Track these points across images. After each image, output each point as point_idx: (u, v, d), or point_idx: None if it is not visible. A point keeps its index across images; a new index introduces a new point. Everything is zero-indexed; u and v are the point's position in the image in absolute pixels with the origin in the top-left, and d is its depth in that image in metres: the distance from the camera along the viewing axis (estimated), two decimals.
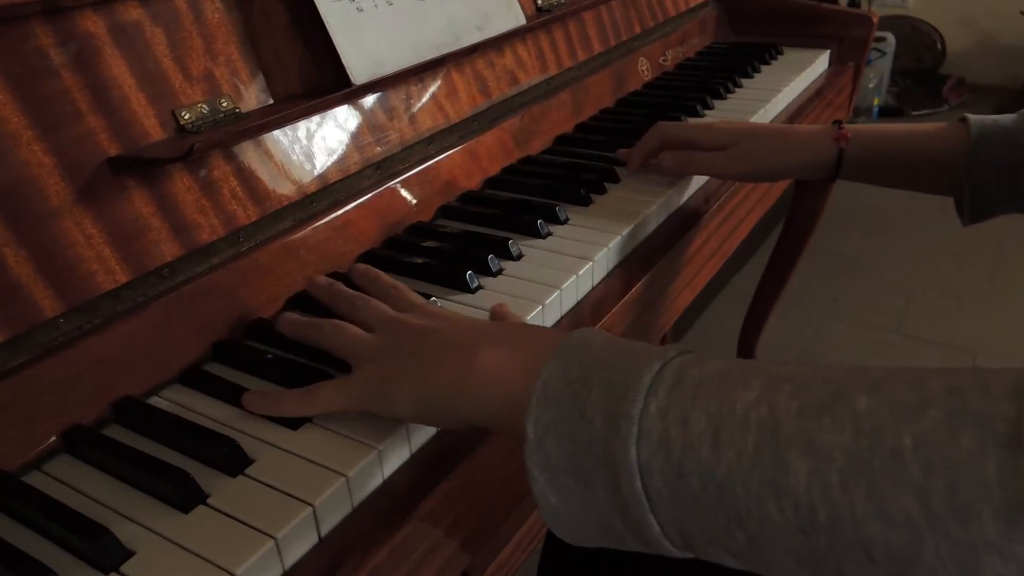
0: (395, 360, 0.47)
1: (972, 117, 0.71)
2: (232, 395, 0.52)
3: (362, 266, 0.59)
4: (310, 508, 0.43)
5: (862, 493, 0.28)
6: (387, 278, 0.57)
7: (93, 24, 0.51)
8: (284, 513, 0.42)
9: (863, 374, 0.32)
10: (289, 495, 0.44)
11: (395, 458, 0.48)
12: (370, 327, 0.50)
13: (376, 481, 0.47)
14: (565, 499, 0.37)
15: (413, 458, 0.49)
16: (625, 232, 0.70)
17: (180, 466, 0.45)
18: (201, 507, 0.43)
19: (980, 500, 0.26)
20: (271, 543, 0.41)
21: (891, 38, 2.92)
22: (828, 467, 0.29)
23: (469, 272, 0.62)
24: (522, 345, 0.43)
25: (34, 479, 0.46)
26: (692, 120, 0.97)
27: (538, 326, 0.47)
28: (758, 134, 0.76)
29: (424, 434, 0.50)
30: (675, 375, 0.35)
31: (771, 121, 1.03)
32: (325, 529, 0.44)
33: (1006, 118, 0.70)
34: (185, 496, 0.43)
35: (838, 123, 0.75)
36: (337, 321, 0.51)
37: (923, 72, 3.29)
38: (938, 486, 0.27)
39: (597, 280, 0.67)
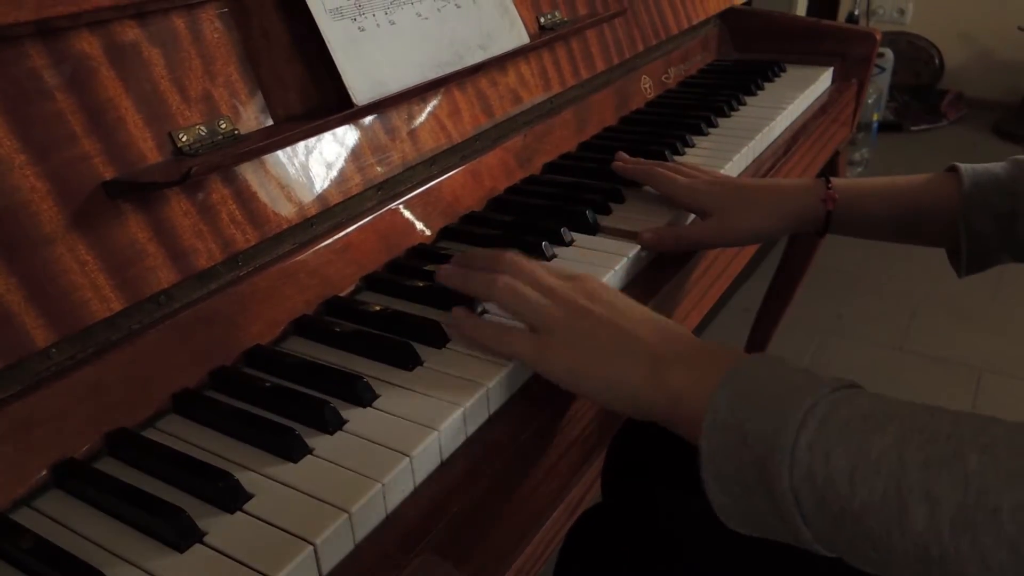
0: (588, 346, 0.51)
1: (963, 167, 0.69)
2: (230, 426, 0.50)
3: (447, 268, 0.60)
4: (311, 547, 0.41)
5: (967, 541, 0.34)
6: (482, 253, 0.60)
7: (88, 45, 0.50)
8: (284, 553, 0.41)
9: (983, 432, 0.36)
10: (289, 533, 0.42)
11: (399, 492, 0.46)
12: (540, 293, 0.53)
13: (379, 516, 0.45)
14: (734, 502, 0.44)
15: (417, 491, 0.48)
16: (631, 254, 0.69)
17: (176, 502, 0.43)
18: (197, 546, 0.42)
19: None
20: None
21: (889, 54, 2.92)
22: (941, 516, 0.34)
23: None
24: (706, 368, 0.47)
25: (23, 516, 0.45)
26: (691, 148, 0.96)
27: (717, 345, 0.51)
28: (743, 195, 0.72)
29: (428, 465, 0.49)
30: (825, 412, 0.40)
31: (777, 138, 1.02)
32: (327, 567, 0.42)
33: (996, 167, 0.68)
34: (180, 535, 0.42)
35: (826, 180, 0.72)
36: (511, 281, 0.54)
37: (921, 87, 3.29)
38: None
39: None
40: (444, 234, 0.74)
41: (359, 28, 0.62)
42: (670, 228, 0.74)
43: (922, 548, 0.35)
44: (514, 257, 0.57)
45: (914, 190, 0.71)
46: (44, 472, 0.46)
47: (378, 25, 0.64)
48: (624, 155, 0.83)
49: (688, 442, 0.46)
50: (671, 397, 0.48)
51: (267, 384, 0.53)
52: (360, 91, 0.62)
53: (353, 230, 0.65)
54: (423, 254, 0.70)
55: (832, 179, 0.73)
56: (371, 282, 0.66)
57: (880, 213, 0.72)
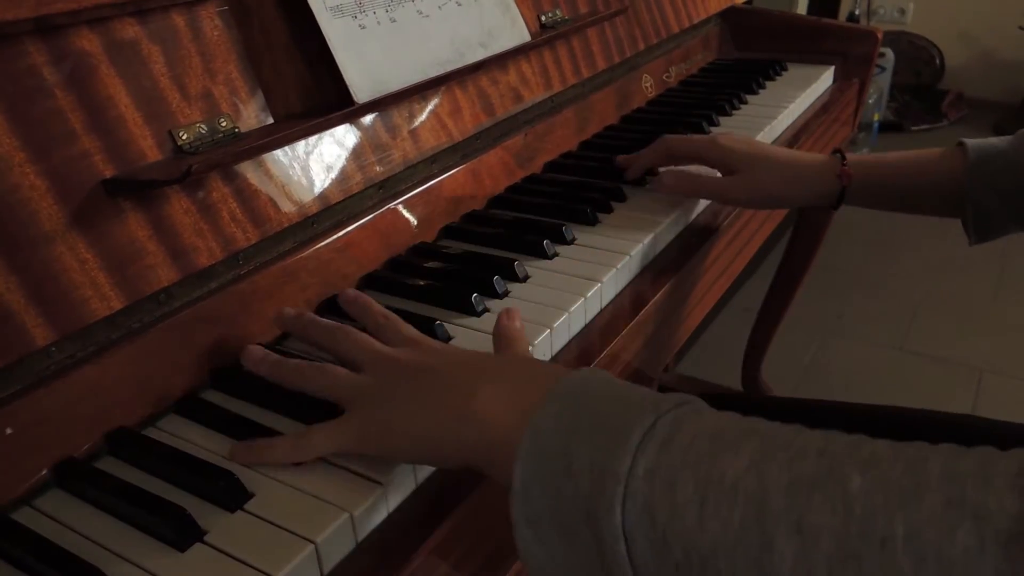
0: (390, 402, 0.45)
1: (969, 141, 0.71)
2: (231, 425, 0.50)
3: (352, 292, 0.55)
4: (312, 546, 0.41)
5: None
6: (378, 307, 0.53)
7: (88, 42, 0.49)
8: (285, 551, 0.41)
9: (862, 448, 0.30)
10: (290, 532, 0.42)
11: (400, 492, 0.46)
12: (357, 364, 0.48)
13: (380, 516, 0.45)
14: (550, 555, 0.36)
15: (418, 492, 0.47)
16: (634, 252, 0.69)
17: (177, 501, 0.43)
18: (198, 545, 0.42)
19: None
20: None
21: (890, 53, 2.92)
22: (815, 552, 0.28)
23: (475, 295, 0.60)
24: (520, 384, 0.41)
25: (24, 515, 0.44)
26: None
27: (540, 361, 0.45)
28: (768, 160, 0.75)
29: (430, 467, 0.48)
30: (667, 431, 0.34)
31: (779, 137, 1.02)
32: (328, 567, 0.42)
33: (1002, 141, 0.70)
34: (181, 534, 0.41)
35: (840, 155, 0.75)
36: (319, 363, 0.48)
37: (922, 87, 3.29)
38: None
39: (606, 302, 0.65)
40: (445, 232, 0.74)
41: (360, 26, 0.62)
42: (690, 174, 0.77)
43: None
44: (344, 329, 0.50)
45: (924, 163, 0.73)
46: (44, 471, 0.46)
47: (379, 23, 0.64)
48: (623, 157, 0.84)
49: None
50: (477, 429, 0.40)
51: (267, 383, 0.53)
52: (361, 89, 0.62)
53: (354, 228, 0.65)
54: (424, 252, 0.70)
55: (847, 155, 0.75)
56: (372, 281, 0.66)
57: (892, 185, 0.75)
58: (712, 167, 0.78)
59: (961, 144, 0.72)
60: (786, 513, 0.29)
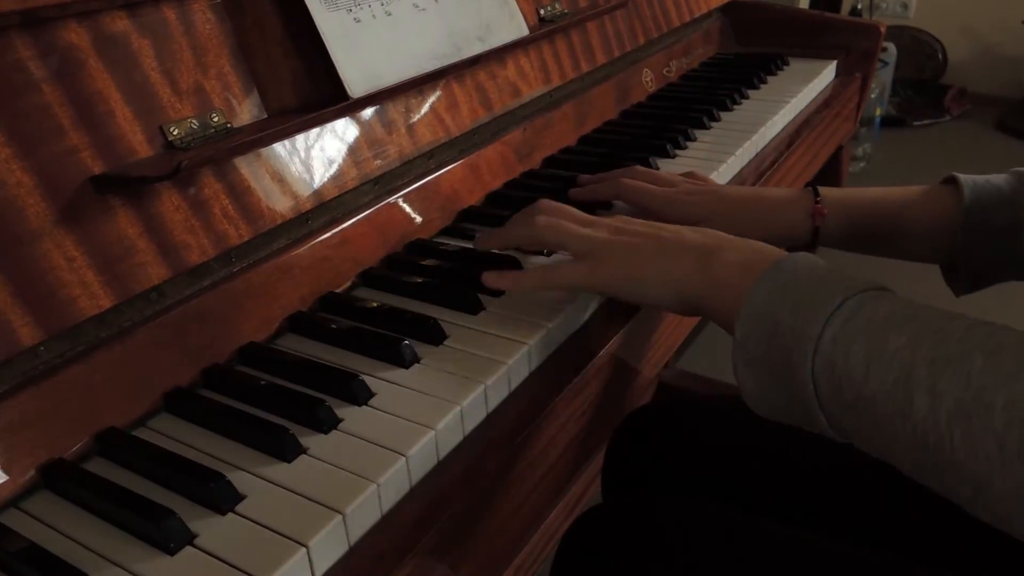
0: (638, 253, 0.54)
1: (962, 178, 0.65)
2: (223, 425, 0.49)
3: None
4: (304, 549, 0.40)
5: (961, 431, 0.37)
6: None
7: (76, 36, 0.49)
8: (277, 555, 0.40)
9: (992, 337, 0.39)
10: (282, 535, 0.41)
11: (394, 492, 0.45)
12: (590, 225, 0.57)
13: (374, 517, 0.44)
14: (760, 386, 0.47)
15: (413, 492, 0.47)
16: None
17: (167, 503, 0.42)
18: (188, 548, 0.41)
19: None
20: None
21: (892, 48, 2.91)
22: (940, 408, 0.38)
23: (475, 293, 0.59)
24: (751, 255, 0.51)
25: (11, 518, 0.44)
26: (685, 148, 0.95)
27: (759, 242, 0.53)
28: (728, 207, 0.69)
29: (425, 465, 0.47)
30: (851, 311, 0.43)
31: (780, 133, 1.01)
32: (320, 570, 0.41)
33: (998, 179, 0.65)
34: (170, 537, 0.41)
35: (814, 190, 0.69)
36: (550, 218, 0.57)
37: (924, 82, 3.27)
38: (1012, 436, 0.35)
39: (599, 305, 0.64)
40: (444, 229, 0.73)
41: (355, 19, 0.61)
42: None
43: (921, 435, 0.38)
44: (547, 201, 0.61)
45: (910, 202, 0.68)
46: (32, 473, 0.45)
47: (374, 16, 0.63)
48: (585, 177, 0.77)
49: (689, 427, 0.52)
50: (715, 284, 0.51)
51: (261, 382, 0.52)
52: (355, 84, 0.61)
53: (349, 225, 0.64)
54: (421, 249, 0.69)
55: (821, 189, 0.69)
56: (368, 278, 0.65)
57: (871, 227, 0.69)
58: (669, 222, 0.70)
59: (953, 180, 0.66)
60: (926, 380, 0.38)
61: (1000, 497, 0.36)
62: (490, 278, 0.59)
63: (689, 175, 0.75)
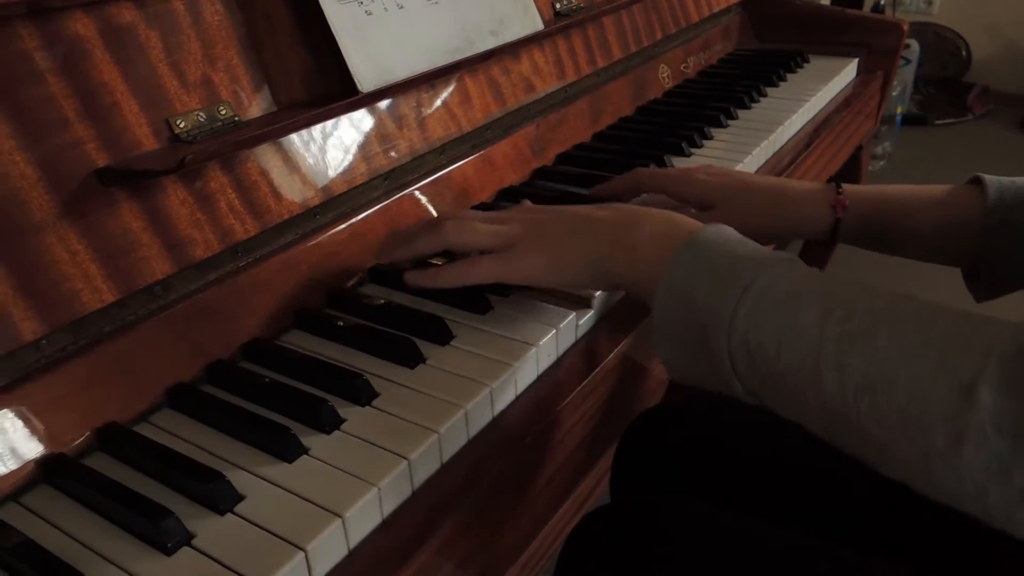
0: (555, 236, 0.54)
1: (987, 178, 0.63)
2: (224, 422, 0.49)
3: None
4: (302, 553, 0.40)
5: (866, 404, 0.39)
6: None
7: (83, 26, 0.48)
8: (274, 558, 0.39)
9: (896, 308, 0.41)
10: (280, 538, 0.40)
11: (396, 496, 0.45)
12: (504, 222, 0.56)
13: (375, 521, 0.44)
14: (679, 356, 0.49)
15: (415, 495, 0.46)
16: None
17: (166, 501, 0.42)
18: (185, 548, 0.41)
19: (937, 424, 0.37)
20: None
21: (915, 45, 2.86)
22: (847, 382, 0.40)
23: (483, 293, 0.58)
24: (671, 227, 0.52)
25: (9, 512, 0.43)
26: (710, 136, 0.93)
27: (678, 215, 0.54)
28: (748, 192, 0.68)
29: (428, 468, 0.47)
30: (763, 286, 0.45)
31: (798, 132, 0.99)
32: (319, 573, 0.41)
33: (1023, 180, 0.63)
34: (167, 537, 0.40)
35: (837, 184, 0.67)
36: (456, 220, 0.56)
37: (947, 80, 3.22)
38: (913, 410, 0.37)
39: (615, 301, 0.63)
40: None
41: (366, 12, 0.60)
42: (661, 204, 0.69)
43: (831, 408, 0.41)
44: (454, 211, 0.61)
45: (933, 202, 0.65)
46: (32, 467, 0.45)
47: (386, 9, 0.62)
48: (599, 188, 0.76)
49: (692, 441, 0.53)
50: (633, 258, 0.52)
51: (264, 379, 0.52)
52: (365, 78, 0.60)
53: (358, 220, 0.64)
54: None
55: (844, 185, 0.68)
56: (376, 274, 0.64)
57: (893, 226, 0.67)
58: (686, 203, 0.70)
59: (978, 180, 0.64)
60: (833, 356, 0.40)
61: (905, 464, 0.39)
62: (411, 277, 0.58)
63: (707, 167, 0.74)
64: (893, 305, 0.41)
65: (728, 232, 0.50)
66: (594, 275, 0.54)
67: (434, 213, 0.70)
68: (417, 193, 0.69)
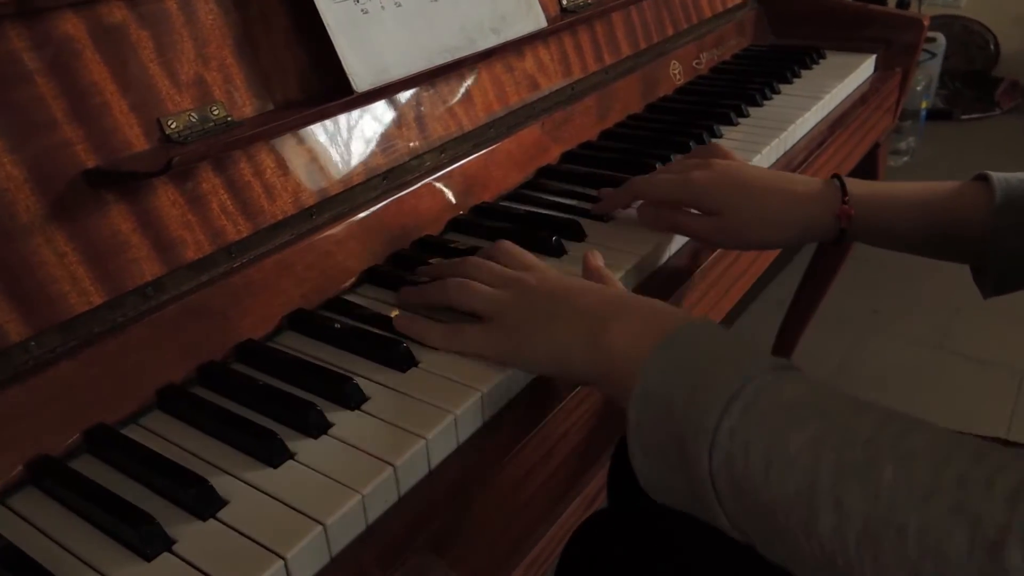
0: (531, 319, 0.51)
1: (995, 176, 0.62)
2: (212, 426, 0.48)
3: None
4: (281, 561, 0.39)
5: (870, 557, 0.33)
6: (508, 244, 0.59)
7: (73, 26, 0.48)
8: (253, 566, 0.39)
9: (903, 440, 0.35)
10: (261, 545, 0.40)
11: (381, 503, 0.44)
12: (494, 285, 0.53)
13: (358, 528, 0.43)
14: (655, 472, 0.43)
15: (402, 502, 0.45)
16: (644, 253, 0.66)
17: (150, 506, 0.42)
18: (166, 554, 0.40)
19: None
20: None
21: (941, 38, 2.81)
22: (848, 528, 0.34)
23: None
24: (644, 326, 0.47)
25: None
26: (717, 139, 0.92)
27: (658, 304, 0.49)
28: (752, 198, 0.65)
29: (415, 474, 0.46)
30: (751, 397, 0.39)
31: (811, 130, 0.97)
32: None
33: None
34: (148, 542, 0.40)
35: (842, 188, 0.66)
36: (460, 280, 0.54)
37: (975, 74, 3.16)
38: (928, 569, 0.32)
39: None
40: (452, 226, 0.71)
41: (362, 10, 0.60)
42: (670, 211, 0.68)
43: (829, 555, 0.35)
44: (472, 259, 0.57)
45: (939, 200, 0.65)
46: (19, 469, 0.45)
47: (382, 7, 0.61)
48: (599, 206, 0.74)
49: None
50: (605, 357, 0.47)
51: (255, 382, 0.52)
52: (361, 77, 0.59)
53: (355, 221, 0.63)
54: (429, 246, 0.67)
55: (849, 182, 0.66)
56: (373, 275, 0.64)
57: (900, 225, 0.66)
58: (689, 208, 0.68)
59: (985, 177, 0.63)
60: (830, 492, 0.35)
61: None
62: (401, 322, 0.55)
63: (711, 146, 0.73)
64: (900, 431, 0.36)
65: (712, 327, 0.45)
66: (558, 372, 0.51)
67: (434, 213, 0.69)
68: (417, 193, 0.68)
